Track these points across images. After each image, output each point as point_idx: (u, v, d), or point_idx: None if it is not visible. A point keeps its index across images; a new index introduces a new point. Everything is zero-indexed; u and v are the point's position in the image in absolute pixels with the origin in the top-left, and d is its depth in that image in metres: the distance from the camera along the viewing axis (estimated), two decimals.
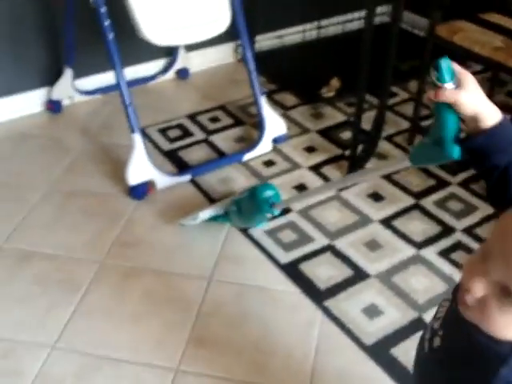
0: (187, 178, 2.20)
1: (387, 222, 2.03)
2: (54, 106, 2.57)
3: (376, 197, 2.14)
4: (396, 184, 2.20)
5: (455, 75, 0.85)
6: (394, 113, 2.62)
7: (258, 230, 1.98)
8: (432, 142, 0.92)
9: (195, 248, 1.93)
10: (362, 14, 2.65)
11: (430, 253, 1.91)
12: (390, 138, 2.46)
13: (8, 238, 1.94)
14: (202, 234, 1.97)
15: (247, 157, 2.32)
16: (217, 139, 2.46)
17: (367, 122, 2.35)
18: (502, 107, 0.89)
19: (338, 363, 1.59)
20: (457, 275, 1.80)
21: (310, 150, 2.40)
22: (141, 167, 2.09)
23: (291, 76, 2.92)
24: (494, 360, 0.78)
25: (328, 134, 2.50)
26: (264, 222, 1.94)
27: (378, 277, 1.82)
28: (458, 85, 0.85)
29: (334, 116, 2.63)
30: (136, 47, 2.47)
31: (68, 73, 2.51)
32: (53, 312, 1.69)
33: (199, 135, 2.48)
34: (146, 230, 1.99)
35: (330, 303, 1.74)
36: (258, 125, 2.39)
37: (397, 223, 2.03)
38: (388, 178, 2.22)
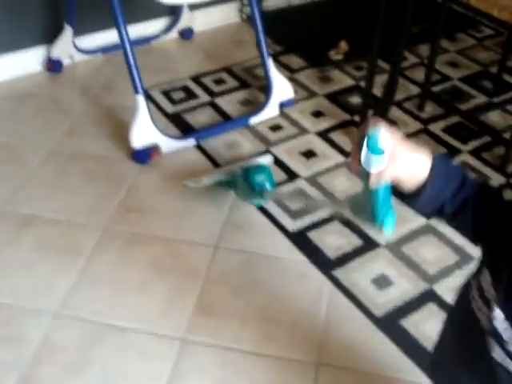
0: (192, 141, 2.14)
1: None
2: (54, 66, 2.48)
3: None
4: None
5: (382, 148, 0.78)
6: (404, 77, 2.55)
7: None
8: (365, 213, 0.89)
9: (201, 215, 1.88)
10: None
11: (441, 223, 1.87)
12: (399, 104, 2.39)
13: (8, 201, 1.89)
14: (208, 201, 1.92)
15: (253, 121, 2.26)
16: (222, 102, 2.39)
17: (377, 86, 2.28)
18: None
19: (347, 334, 1.56)
20: (468, 247, 1.76)
21: (318, 114, 2.34)
22: (145, 130, 2.02)
23: (298, 37, 2.82)
24: None
25: (336, 98, 2.43)
26: (263, 201, 1.87)
27: (387, 247, 1.78)
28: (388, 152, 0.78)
29: (342, 80, 2.55)
30: (138, 5, 2.39)
31: (68, 30, 2.42)
32: (55, 279, 1.65)
33: (204, 97, 2.41)
34: (151, 195, 1.94)
35: (338, 273, 1.70)
36: (265, 88, 2.32)
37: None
38: None
